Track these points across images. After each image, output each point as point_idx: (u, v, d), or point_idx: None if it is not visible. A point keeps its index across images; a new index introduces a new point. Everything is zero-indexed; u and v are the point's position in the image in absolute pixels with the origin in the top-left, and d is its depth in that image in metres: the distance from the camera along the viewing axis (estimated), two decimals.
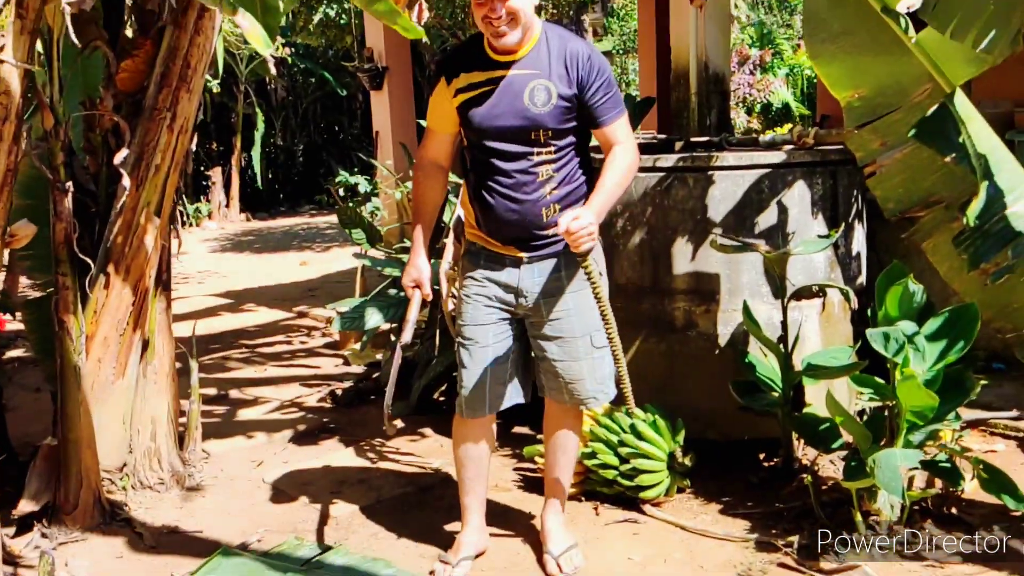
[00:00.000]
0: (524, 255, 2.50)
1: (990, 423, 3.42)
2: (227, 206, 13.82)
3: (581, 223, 2.20)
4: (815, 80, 13.35)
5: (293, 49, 6.91)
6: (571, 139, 2.45)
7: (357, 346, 5.21)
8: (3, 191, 2.52)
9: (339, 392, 4.40)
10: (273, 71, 10.34)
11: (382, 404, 4.16)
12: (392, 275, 3.92)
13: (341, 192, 5.16)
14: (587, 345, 2.54)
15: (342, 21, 9.30)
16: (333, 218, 13.60)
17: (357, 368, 4.89)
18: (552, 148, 2.42)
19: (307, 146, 16.08)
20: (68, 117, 2.84)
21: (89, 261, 2.90)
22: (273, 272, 8.76)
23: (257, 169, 7.01)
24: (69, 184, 2.78)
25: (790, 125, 12.87)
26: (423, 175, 2.61)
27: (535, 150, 2.41)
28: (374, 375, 4.50)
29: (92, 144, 3.09)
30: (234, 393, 4.61)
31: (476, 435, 2.66)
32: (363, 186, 5.11)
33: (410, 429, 3.93)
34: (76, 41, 2.29)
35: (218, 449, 3.75)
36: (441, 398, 4.19)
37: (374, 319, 3.78)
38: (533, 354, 2.64)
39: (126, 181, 2.83)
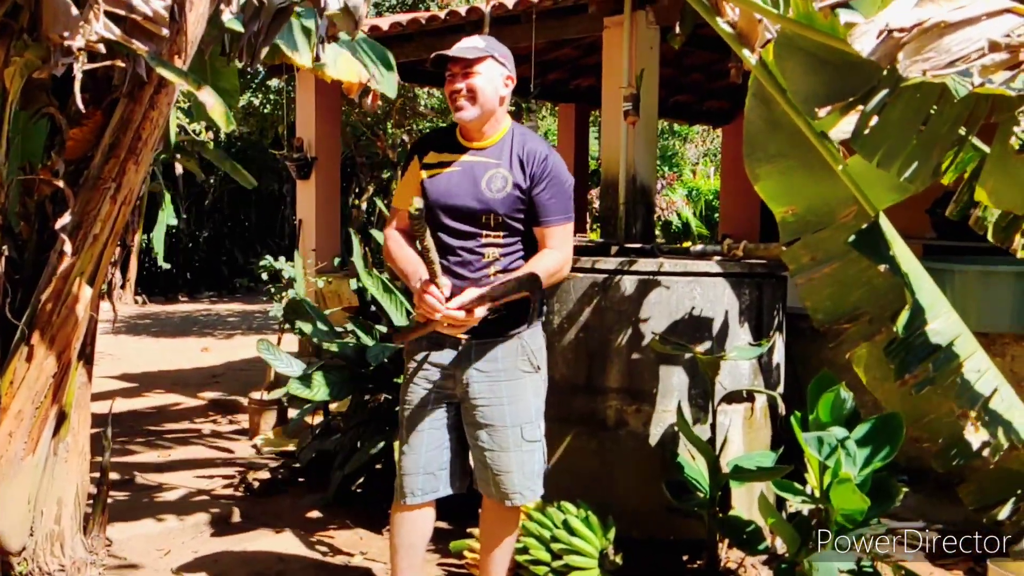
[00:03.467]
0: (463, 336, 2.53)
1: (898, 532, 3.56)
2: (122, 287, 13.36)
3: (470, 316, 2.36)
4: (714, 203, 14.13)
5: (214, 135, 6.93)
6: (520, 229, 2.53)
7: (270, 434, 5.08)
8: None
9: (252, 480, 4.24)
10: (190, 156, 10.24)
11: (297, 494, 4.09)
12: (331, 350, 3.91)
13: (264, 276, 5.09)
14: (517, 436, 2.55)
15: (265, 110, 9.36)
16: (235, 305, 13.34)
17: (269, 457, 4.74)
18: (501, 234, 2.51)
19: (211, 233, 15.83)
20: (11, 180, 2.76)
21: (21, 326, 2.76)
22: (173, 357, 8.47)
23: (160, 249, 6.90)
24: (5, 248, 2.68)
25: (689, 243, 13.49)
26: (394, 238, 2.62)
27: (484, 232, 2.50)
28: (292, 464, 4.36)
29: (27, 210, 3.00)
30: (138, 478, 4.39)
31: (412, 522, 2.62)
32: (288, 272, 5.06)
33: (329, 520, 3.81)
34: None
35: (121, 536, 3.53)
36: (359, 490, 4.09)
37: (322, 392, 3.70)
38: (468, 446, 2.64)
39: (67, 247, 2.74)
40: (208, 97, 2.73)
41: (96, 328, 3.22)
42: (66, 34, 2.28)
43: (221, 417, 5.85)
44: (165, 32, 2.48)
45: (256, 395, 5.20)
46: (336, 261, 5.38)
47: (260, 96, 9.36)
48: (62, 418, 3.07)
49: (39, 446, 2.99)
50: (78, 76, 2.23)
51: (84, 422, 3.19)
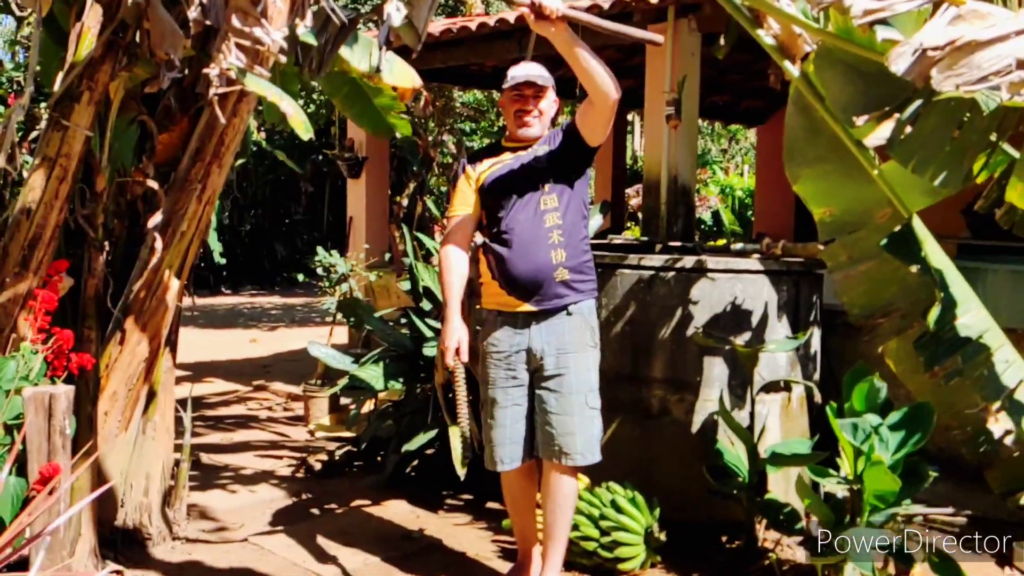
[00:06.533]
0: (534, 308, 2.87)
1: (929, 517, 3.74)
2: None
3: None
4: (747, 201, 14.21)
5: (265, 133, 7.22)
6: (569, 192, 2.91)
7: (324, 420, 5.34)
8: (51, 245, 2.69)
9: (313, 462, 4.50)
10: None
11: (355, 476, 4.35)
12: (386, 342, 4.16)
13: (319, 271, 5.37)
14: (582, 402, 2.89)
15: (310, 110, 9.63)
16: (276, 299, 13.67)
17: (324, 442, 5.00)
18: (555, 195, 2.89)
19: (253, 227, 16.18)
20: (113, 182, 3.02)
21: (116, 314, 3.03)
22: (222, 348, 8.77)
23: (215, 247, 7.23)
24: (106, 243, 2.94)
25: (723, 240, 13.59)
26: (448, 257, 2.97)
27: (540, 197, 2.89)
28: (348, 448, 4.62)
29: (121, 208, 3.27)
30: (204, 459, 4.67)
31: (510, 481, 3.05)
32: (341, 267, 5.33)
33: (385, 500, 4.05)
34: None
35: (198, 510, 3.82)
36: (413, 473, 4.33)
37: (380, 381, 3.97)
38: (536, 412, 2.95)
39: (158, 243, 3.00)
40: (289, 107, 2.97)
41: (180, 317, 3.48)
42: (170, 52, 2.53)
43: (276, 404, 6.13)
44: (283, 59, 2.74)
45: (311, 383, 5.47)
46: (387, 256, 5.62)
47: (304, 96, 9.65)
48: (150, 399, 3.34)
49: (131, 424, 3.27)
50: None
51: (169, 403, 3.47)
